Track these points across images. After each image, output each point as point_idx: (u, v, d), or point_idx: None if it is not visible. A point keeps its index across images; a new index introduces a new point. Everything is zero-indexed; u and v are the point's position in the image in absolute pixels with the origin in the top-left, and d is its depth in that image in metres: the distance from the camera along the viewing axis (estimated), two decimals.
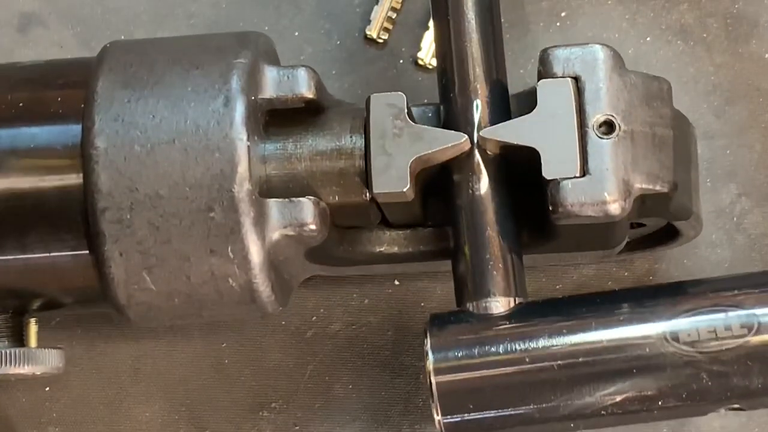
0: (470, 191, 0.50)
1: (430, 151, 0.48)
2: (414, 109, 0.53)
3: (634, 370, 0.47)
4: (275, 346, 0.61)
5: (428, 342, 0.48)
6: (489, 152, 0.50)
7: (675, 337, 0.47)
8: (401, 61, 0.61)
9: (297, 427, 0.60)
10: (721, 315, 0.48)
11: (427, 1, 0.59)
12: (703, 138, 0.59)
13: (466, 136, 0.48)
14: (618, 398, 0.48)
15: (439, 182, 0.51)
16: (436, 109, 0.52)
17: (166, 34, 0.62)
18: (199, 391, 0.61)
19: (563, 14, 0.61)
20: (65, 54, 0.63)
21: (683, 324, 0.48)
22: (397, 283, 0.59)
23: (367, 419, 0.60)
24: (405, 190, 0.47)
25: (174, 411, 0.61)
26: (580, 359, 0.48)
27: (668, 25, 0.61)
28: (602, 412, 0.49)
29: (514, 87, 0.57)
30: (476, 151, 0.49)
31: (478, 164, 0.49)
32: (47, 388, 0.62)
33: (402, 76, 0.61)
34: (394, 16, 0.61)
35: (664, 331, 0.48)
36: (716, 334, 0.48)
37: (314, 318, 0.60)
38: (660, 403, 0.48)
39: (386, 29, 0.61)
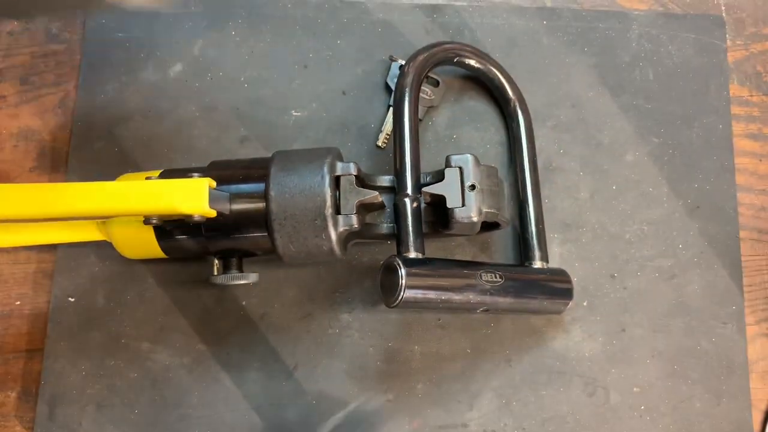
0: (405, 213, 0.80)
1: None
2: (379, 177, 0.81)
3: (469, 287, 0.78)
4: None
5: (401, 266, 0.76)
6: (415, 201, 0.78)
7: (481, 277, 0.79)
8: (390, 155, 0.90)
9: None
10: (492, 270, 0.80)
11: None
12: None
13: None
14: (463, 298, 0.78)
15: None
16: (392, 178, 0.82)
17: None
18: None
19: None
20: (257, 149, 0.93)
21: (484, 272, 0.80)
22: None
23: None
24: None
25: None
26: (450, 281, 0.78)
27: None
28: (461, 302, 0.78)
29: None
30: (407, 200, 0.79)
31: (408, 205, 0.80)
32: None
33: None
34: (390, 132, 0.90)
35: (479, 274, 0.79)
36: (491, 278, 0.79)
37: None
38: (474, 303, 0.79)
39: (385, 141, 0.93)
